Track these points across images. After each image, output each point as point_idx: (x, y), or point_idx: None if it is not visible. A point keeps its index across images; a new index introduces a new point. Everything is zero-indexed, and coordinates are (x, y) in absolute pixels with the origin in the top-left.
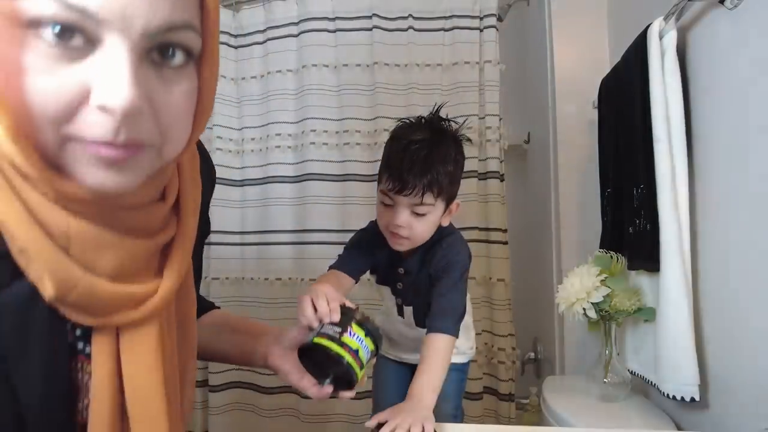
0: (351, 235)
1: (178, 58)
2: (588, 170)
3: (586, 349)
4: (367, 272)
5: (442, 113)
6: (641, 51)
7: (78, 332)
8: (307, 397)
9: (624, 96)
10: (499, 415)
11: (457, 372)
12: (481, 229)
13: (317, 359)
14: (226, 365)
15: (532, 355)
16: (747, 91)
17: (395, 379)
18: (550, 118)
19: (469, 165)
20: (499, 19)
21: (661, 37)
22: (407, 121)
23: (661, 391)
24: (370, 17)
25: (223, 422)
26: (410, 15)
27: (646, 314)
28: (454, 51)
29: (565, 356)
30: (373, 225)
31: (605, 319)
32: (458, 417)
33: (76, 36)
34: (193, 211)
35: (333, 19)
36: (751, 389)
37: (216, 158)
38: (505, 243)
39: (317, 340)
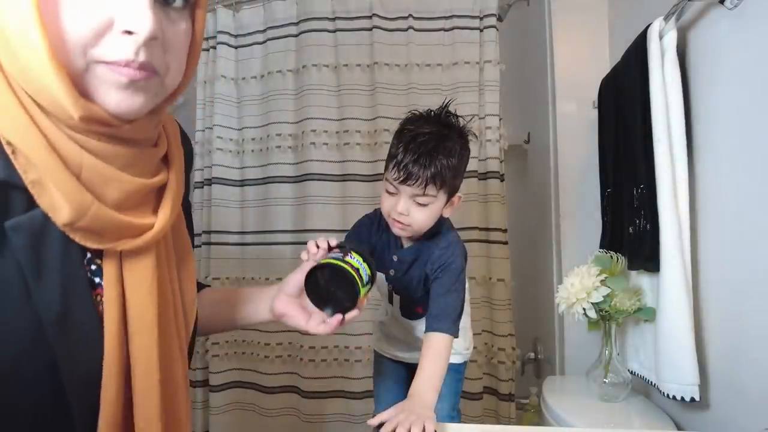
0: None
1: (179, 1)
2: (588, 170)
3: (586, 349)
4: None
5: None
6: (641, 51)
7: (93, 267)
8: (307, 397)
9: (624, 96)
10: (499, 415)
11: (453, 372)
12: (481, 229)
13: (322, 284)
14: (227, 366)
15: (532, 355)
16: (747, 90)
17: (394, 379)
18: (550, 118)
19: (469, 165)
20: (499, 19)
21: (661, 37)
22: (416, 113)
23: (661, 391)
24: (370, 17)
25: (224, 422)
26: (410, 15)
27: (646, 314)
28: (454, 51)
29: (565, 356)
30: (377, 211)
31: (605, 319)
32: (455, 418)
33: None
34: (179, 167)
35: (333, 19)
36: (751, 389)
37: (216, 158)
38: (505, 243)
39: (323, 261)
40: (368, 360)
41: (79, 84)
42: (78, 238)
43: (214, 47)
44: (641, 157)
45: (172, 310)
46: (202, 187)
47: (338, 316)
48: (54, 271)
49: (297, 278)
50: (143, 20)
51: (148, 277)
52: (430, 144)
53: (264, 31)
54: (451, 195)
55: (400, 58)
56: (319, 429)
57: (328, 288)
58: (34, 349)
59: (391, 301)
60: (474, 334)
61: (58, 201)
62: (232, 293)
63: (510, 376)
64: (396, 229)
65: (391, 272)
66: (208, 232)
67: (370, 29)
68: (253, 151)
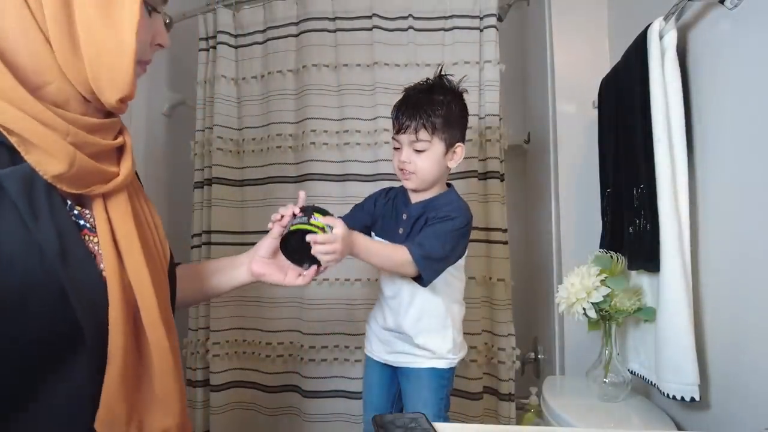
0: None
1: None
2: (588, 170)
3: (586, 349)
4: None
5: None
6: (641, 51)
7: (75, 212)
8: (308, 397)
9: (624, 96)
10: (499, 415)
11: (437, 378)
12: (481, 229)
13: (295, 247)
14: (227, 366)
15: (532, 355)
16: (747, 90)
17: (380, 384)
18: (549, 118)
19: (469, 165)
20: (499, 19)
21: (661, 37)
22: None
23: (661, 391)
24: (370, 17)
25: (225, 422)
26: (410, 15)
27: (646, 314)
28: (454, 51)
29: (565, 356)
30: (386, 189)
31: (605, 319)
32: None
33: (151, 11)
34: (128, 133)
35: (333, 19)
36: (751, 389)
37: (216, 158)
38: (505, 243)
39: (292, 228)
40: None
41: None
42: (65, 186)
43: (214, 47)
44: (641, 157)
45: (150, 235)
46: (202, 187)
47: (314, 268)
48: (46, 214)
49: (268, 243)
50: (168, 38)
51: (127, 209)
52: (419, 97)
53: (264, 31)
54: (449, 144)
55: (400, 58)
56: (319, 428)
57: (302, 248)
58: (44, 280)
59: None
60: (474, 334)
61: (46, 158)
62: (204, 265)
63: (510, 376)
64: (404, 181)
65: (400, 230)
66: (208, 232)
67: (370, 29)
68: (253, 151)
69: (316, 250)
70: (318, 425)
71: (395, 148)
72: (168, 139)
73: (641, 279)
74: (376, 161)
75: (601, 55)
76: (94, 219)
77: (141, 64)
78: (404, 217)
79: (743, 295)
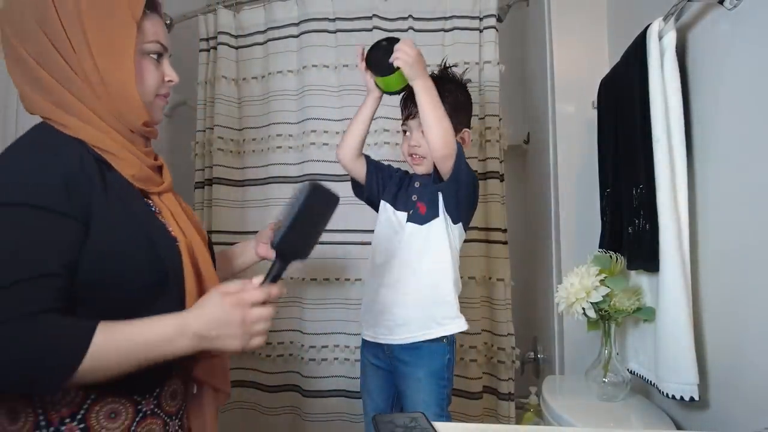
0: (353, 235)
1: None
2: (587, 170)
3: (586, 348)
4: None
5: None
6: (641, 51)
7: (144, 200)
8: (308, 396)
9: (623, 96)
10: (499, 415)
11: (435, 379)
12: (480, 229)
13: (378, 57)
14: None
15: (532, 354)
16: (746, 91)
17: (377, 387)
18: (549, 118)
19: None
20: (499, 20)
21: (660, 38)
22: None
23: (660, 391)
24: (370, 18)
25: (225, 421)
26: (410, 15)
27: (646, 314)
28: (454, 51)
29: (565, 356)
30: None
31: (605, 318)
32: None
33: (159, 57)
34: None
35: (333, 20)
36: (750, 388)
37: (217, 159)
38: (505, 243)
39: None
40: None
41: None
42: (137, 184)
43: (214, 48)
44: (640, 157)
45: (192, 219)
46: (203, 187)
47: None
48: (132, 199)
49: (266, 233)
50: (175, 75)
51: (175, 202)
52: None
53: (265, 31)
54: (456, 129)
55: None
56: (319, 428)
57: (381, 60)
58: (141, 239)
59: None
60: (474, 334)
61: (125, 165)
62: (226, 253)
63: (510, 375)
64: (415, 167)
65: (414, 197)
66: (209, 232)
67: (370, 30)
68: (254, 151)
69: (399, 45)
70: (318, 425)
71: (404, 134)
72: (169, 140)
73: (640, 279)
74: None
75: (601, 55)
76: (155, 207)
77: (158, 96)
78: (417, 185)
79: (742, 294)
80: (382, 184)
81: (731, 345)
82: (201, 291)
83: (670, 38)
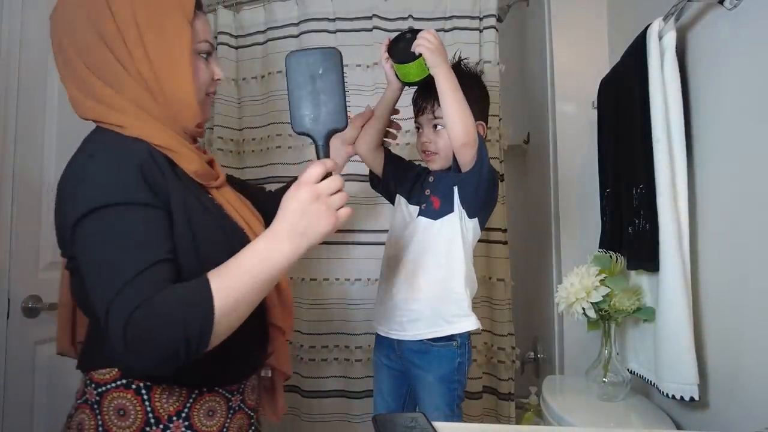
0: (353, 235)
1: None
2: (587, 170)
3: (586, 348)
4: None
5: None
6: (640, 51)
7: (206, 194)
8: (307, 396)
9: (623, 96)
10: (499, 415)
11: (446, 383)
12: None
13: (401, 47)
14: None
15: (532, 354)
16: (746, 90)
17: (389, 387)
18: (549, 118)
19: None
20: (499, 20)
21: (660, 38)
22: None
23: (660, 391)
24: (370, 18)
25: None
26: (410, 15)
27: (646, 314)
28: (454, 51)
29: (565, 356)
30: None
31: (605, 318)
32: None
33: (208, 55)
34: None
35: (333, 20)
36: (750, 388)
37: (217, 159)
38: (505, 243)
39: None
40: (368, 360)
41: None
42: (198, 179)
43: (214, 47)
44: (640, 157)
45: (249, 207)
46: None
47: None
48: (200, 192)
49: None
50: (221, 72)
51: (232, 194)
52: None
53: (264, 31)
54: None
55: None
56: (319, 428)
57: (403, 50)
58: (214, 227)
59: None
60: (474, 334)
61: (187, 162)
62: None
63: (510, 375)
64: (429, 163)
65: (427, 191)
66: None
67: (370, 30)
68: (253, 151)
69: (422, 33)
70: (318, 425)
71: (418, 130)
72: None
73: (640, 279)
74: None
75: (601, 55)
76: (215, 200)
77: (208, 95)
78: (431, 179)
79: (742, 294)
80: (399, 178)
81: (731, 345)
82: None
83: (670, 38)
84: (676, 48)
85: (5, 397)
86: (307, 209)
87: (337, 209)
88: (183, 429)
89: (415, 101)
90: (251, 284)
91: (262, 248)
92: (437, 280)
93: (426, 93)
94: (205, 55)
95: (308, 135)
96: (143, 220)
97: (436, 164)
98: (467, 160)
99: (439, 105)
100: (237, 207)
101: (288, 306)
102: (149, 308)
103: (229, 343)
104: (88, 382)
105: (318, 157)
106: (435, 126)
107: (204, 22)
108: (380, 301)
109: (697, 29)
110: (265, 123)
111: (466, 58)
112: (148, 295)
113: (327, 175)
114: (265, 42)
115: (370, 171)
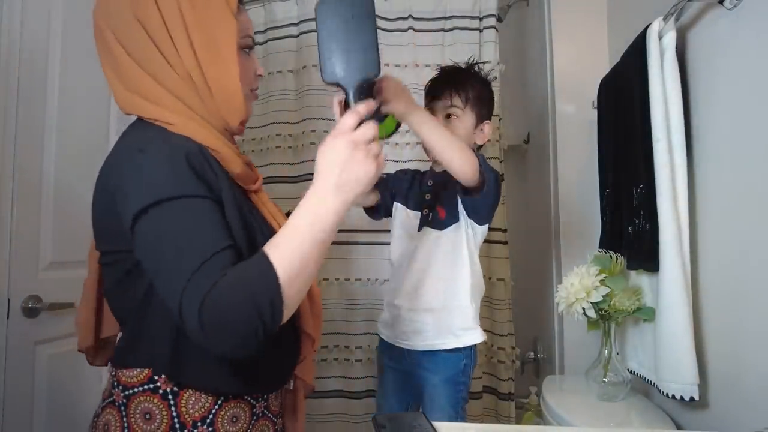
0: (351, 234)
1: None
2: (587, 170)
3: (586, 348)
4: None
5: None
6: (640, 51)
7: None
8: (307, 397)
9: (623, 96)
10: (499, 415)
11: (452, 384)
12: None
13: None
14: None
15: (532, 354)
16: (746, 90)
17: (394, 389)
18: (549, 118)
19: None
20: (499, 20)
21: (660, 37)
22: None
23: (660, 391)
24: None
25: None
26: (410, 15)
27: (646, 314)
28: (454, 51)
29: (565, 356)
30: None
31: (605, 318)
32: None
33: (249, 50)
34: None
35: None
36: (750, 388)
37: None
38: (505, 243)
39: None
40: (368, 360)
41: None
42: (240, 182)
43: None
44: (640, 157)
45: (283, 215)
46: None
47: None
48: (240, 195)
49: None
50: (262, 68)
51: (270, 201)
52: (456, 72)
53: (264, 31)
54: (478, 119)
55: (399, 58)
56: (319, 428)
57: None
58: (255, 228)
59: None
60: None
61: (232, 165)
62: None
63: (510, 375)
64: (434, 164)
65: (427, 196)
66: None
67: None
68: (253, 151)
69: (382, 84)
70: (318, 425)
71: None
72: None
73: (640, 279)
74: None
75: (601, 55)
76: (254, 203)
77: (252, 91)
78: (429, 183)
79: (742, 294)
80: (396, 191)
81: (731, 345)
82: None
83: (670, 38)
84: (676, 48)
85: (5, 397)
86: (348, 159)
87: (375, 155)
88: None
89: (432, 87)
90: (309, 246)
91: (312, 208)
92: (442, 291)
93: (447, 80)
94: (247, 50)
95: (339, 85)
96: (201, 212)
97: (442, 167)
98: (474, 183)
99: (458, 94)
100: (273, 212)
101: (318, 314)
102: (217, 291)
103: (263, 349)
104: (115, 383)
105: (349, 107)
106: (448, 115)
107: (246, 17)
108: (387, 307)
109: (697, 29)
110: (265, 123)
111: (480, 62)
112: (216, 279)
113: (360, 123)
114: (265, 42)
115: (365, 208)
